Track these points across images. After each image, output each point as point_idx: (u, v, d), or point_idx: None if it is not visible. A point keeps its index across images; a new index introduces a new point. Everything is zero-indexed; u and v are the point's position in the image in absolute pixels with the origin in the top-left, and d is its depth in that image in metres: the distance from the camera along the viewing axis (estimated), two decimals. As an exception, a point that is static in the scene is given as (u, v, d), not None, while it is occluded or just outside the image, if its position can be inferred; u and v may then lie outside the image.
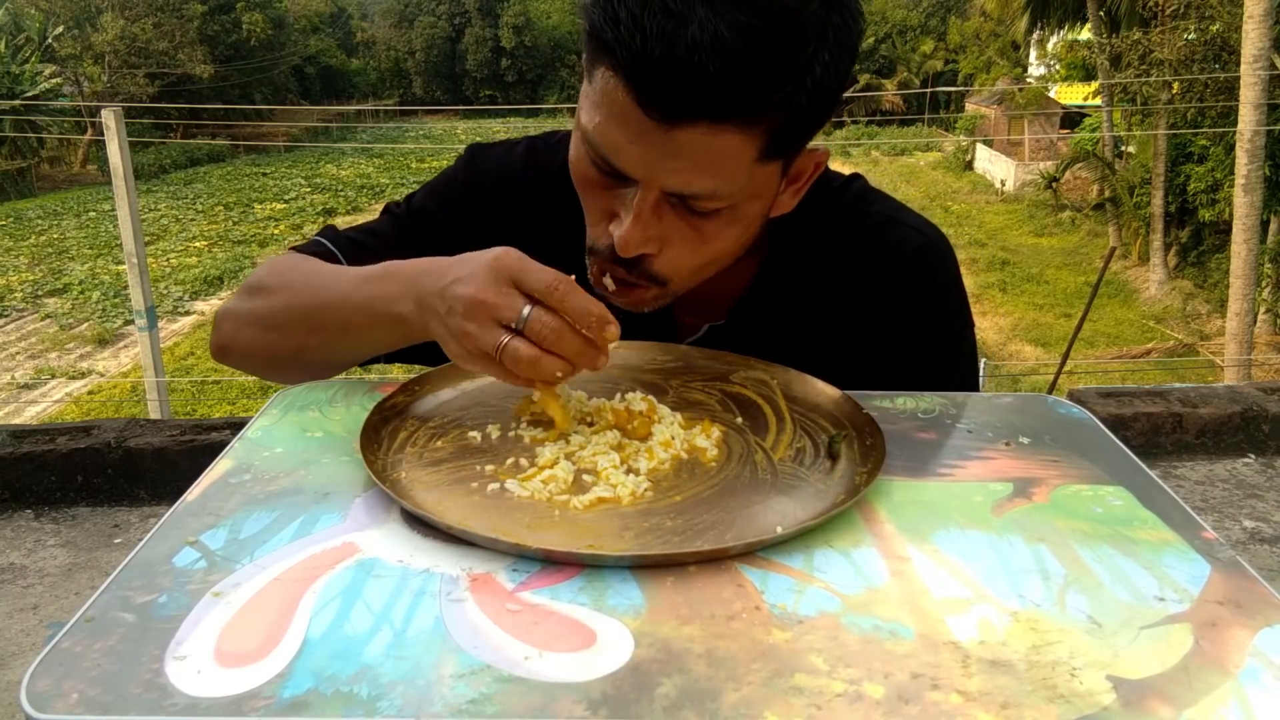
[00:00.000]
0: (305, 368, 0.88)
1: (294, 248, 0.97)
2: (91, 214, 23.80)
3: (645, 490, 0.65)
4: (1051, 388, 6.35)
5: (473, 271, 0.69)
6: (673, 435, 0.71)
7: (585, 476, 0.67)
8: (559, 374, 0.68)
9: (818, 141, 0.81)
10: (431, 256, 0.76)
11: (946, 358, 0.95)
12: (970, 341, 0.98)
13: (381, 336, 0.79)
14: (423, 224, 0.97)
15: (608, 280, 0.82)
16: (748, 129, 0.71)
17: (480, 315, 0.67)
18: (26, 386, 13.68)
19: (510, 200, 0.97)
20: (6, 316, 16.70)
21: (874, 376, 0.89)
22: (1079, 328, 6.75)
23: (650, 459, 0.68)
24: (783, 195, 0.83)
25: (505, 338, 0.67)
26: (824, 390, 0.79)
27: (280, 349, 0.87)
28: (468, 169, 0.99)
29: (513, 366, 0.67)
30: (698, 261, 0.81)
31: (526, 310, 0.67)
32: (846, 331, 0.93)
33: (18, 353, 15.11)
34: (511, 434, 0.73)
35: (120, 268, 16.93)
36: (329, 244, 0.96)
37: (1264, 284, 13.94)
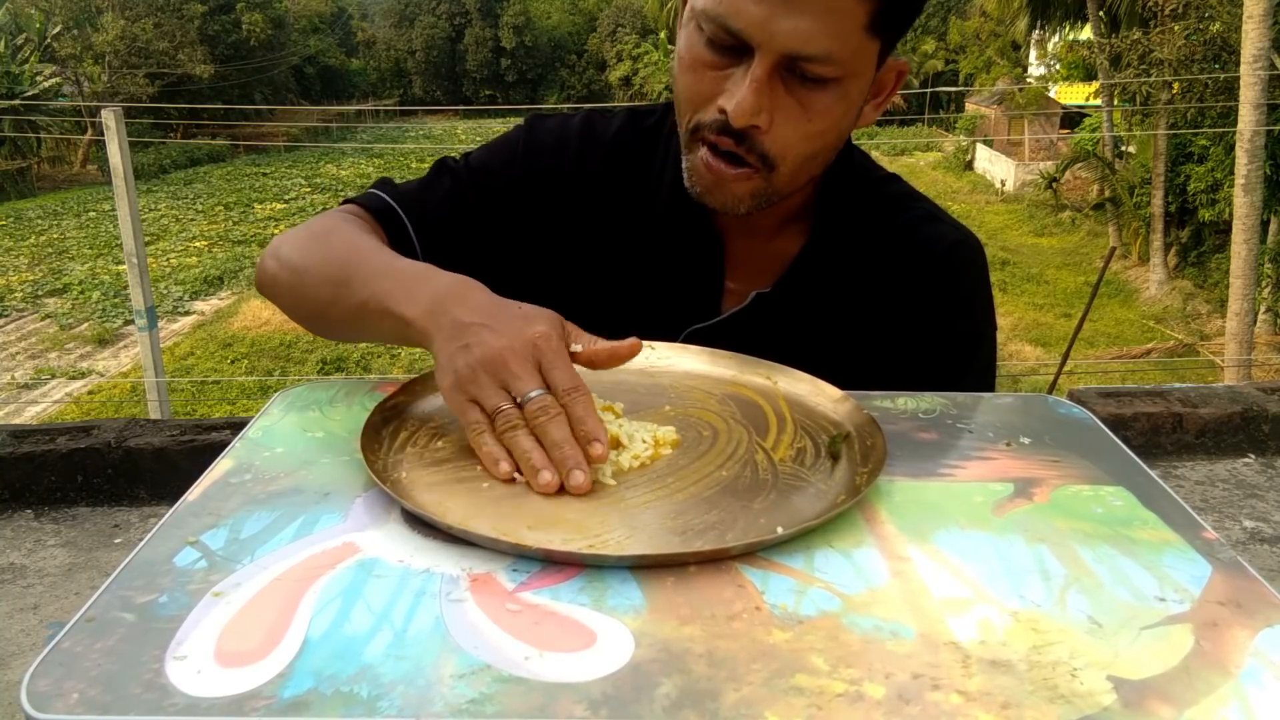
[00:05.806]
0: (328, 330, 0.90)
1: (351, 199, 0.99)
2: (91, 214, 23.77)
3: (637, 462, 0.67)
4: (1052, 388, 6.34)
5: (512, 330, 0.69)
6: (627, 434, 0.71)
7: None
8: (530, 456, 0.64)
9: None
10: (468, 275, 0.76)
11: (964, 355, 0.97)
12: (990, 347, 0.99)
13: (386, 329, 0.79)
14: (483, 181, 0.99)
15: (707, 157, 0.85)
16: None
17: (495, 372, 0.67)
18: (26, 386, 13.66)
19: (565, 169, 1.00)
20: (6, 316, 16.68)
21: (893, 365, 0.91)
22: (1079, 328, 6.75)
23: (659, 446, 0.70)
24: (867, 107, 0.88)
25: (505, 404, 0.67)
26: (824, 390, 0.79)
27: (304, 306, 0.89)
28: (528, 135, 1.02)
29: (499, 429, 0.66)
30: (804, 142, 0.84)
31: (535, 392, 0.66)
32: (875, 316, 0.96)
33: (18, 353, 15.09)
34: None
35: (120, 268, 16.92)
36: (388, 198, 0.98)
37: (1264, 284, 13.92)
